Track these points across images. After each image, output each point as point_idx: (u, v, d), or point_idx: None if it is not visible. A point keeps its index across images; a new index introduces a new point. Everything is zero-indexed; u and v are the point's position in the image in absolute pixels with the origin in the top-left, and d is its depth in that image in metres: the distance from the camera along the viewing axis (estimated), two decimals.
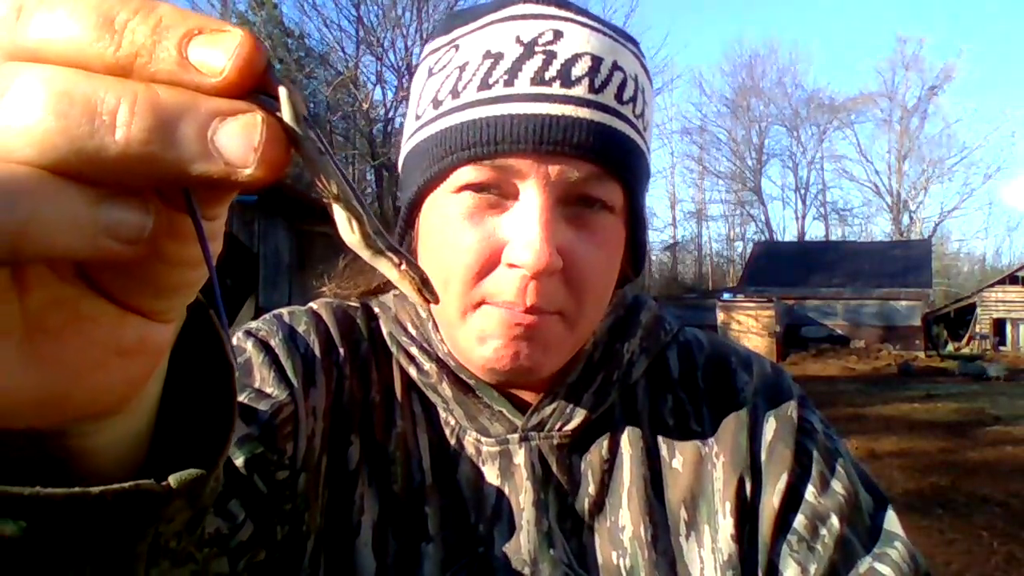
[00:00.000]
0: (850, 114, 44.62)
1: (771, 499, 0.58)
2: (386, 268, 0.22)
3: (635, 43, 0.59)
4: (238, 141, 0.18)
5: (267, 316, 0.65)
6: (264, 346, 0.59)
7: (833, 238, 41.94)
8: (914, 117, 43.88)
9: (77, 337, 0.22)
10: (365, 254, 0.21)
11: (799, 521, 0.57)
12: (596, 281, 0.56)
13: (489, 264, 0.53)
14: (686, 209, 48.86)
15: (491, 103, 0.53)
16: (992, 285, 28.04)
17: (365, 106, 16.65)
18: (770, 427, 0.61)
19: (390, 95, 17.94)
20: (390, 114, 17.67)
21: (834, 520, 0.57)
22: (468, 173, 0.53)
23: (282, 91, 0.20)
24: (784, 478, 0.58)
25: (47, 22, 0.18)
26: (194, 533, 0.31)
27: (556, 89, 0.52)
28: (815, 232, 44.89)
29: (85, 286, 0.22)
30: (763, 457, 0.60)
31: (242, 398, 0.53)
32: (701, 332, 0.71)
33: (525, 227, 0.52)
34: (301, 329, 0.62)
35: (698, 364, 0.65)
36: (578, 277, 0.54)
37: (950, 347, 25.43)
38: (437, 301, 0.27)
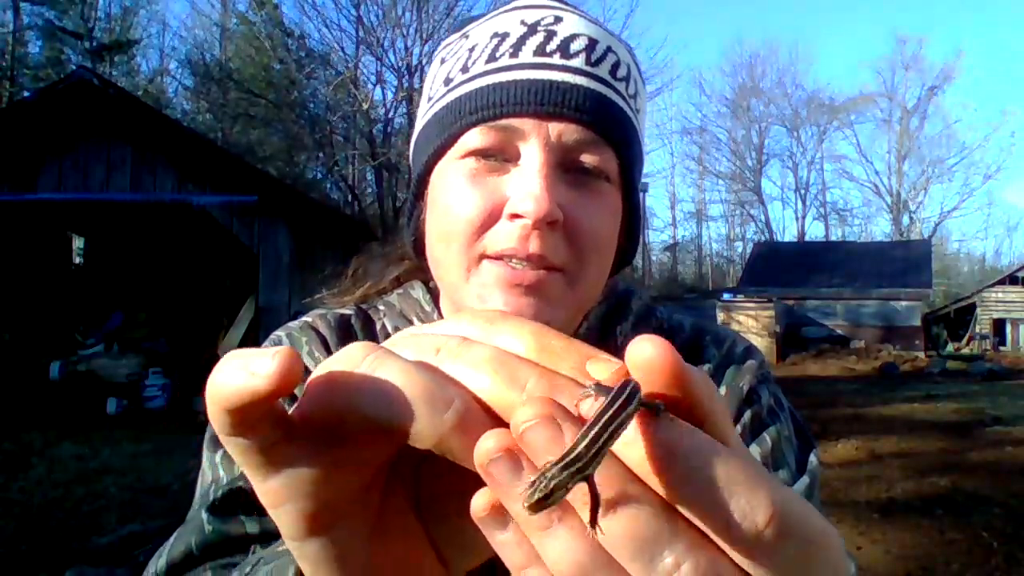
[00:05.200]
0: (850, 114, 44.69)
1: None
2: None
3: (628, 45, 0.63)
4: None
5: (267, 345, 0.67)
6: None
7: (833, 238, 41.97)
8: (914, 117, 43.98)
9: (400, 547, 0.30)
10: None
11: None
12: (596, 239, 0.58)
13: (490, 218, 0.56)
14: (686, 209, 49.12)
15: (497, 72, 0.57)
16: (992, 285, 28.07)
17: (365, 106, 16.63)
18: None
19: (390, 95, 17.95)
20: (390, 114, 17.67)
21: None
22: (474, 137, 0.57)
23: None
24: None
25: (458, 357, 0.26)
26: None
27: (556, 60, 0.57)
28: (815, 232, 45.05)
29: (420, 521, 0.31)
30: None
31: None
32: (689, 318, 0.72)
33: (526, 180, 0.54)
34: (304, 352, 0.66)
35: (675, 345, 0.66)
36: (578, 233, 0.56)
37: (950, 347, 25.42)
38: None
